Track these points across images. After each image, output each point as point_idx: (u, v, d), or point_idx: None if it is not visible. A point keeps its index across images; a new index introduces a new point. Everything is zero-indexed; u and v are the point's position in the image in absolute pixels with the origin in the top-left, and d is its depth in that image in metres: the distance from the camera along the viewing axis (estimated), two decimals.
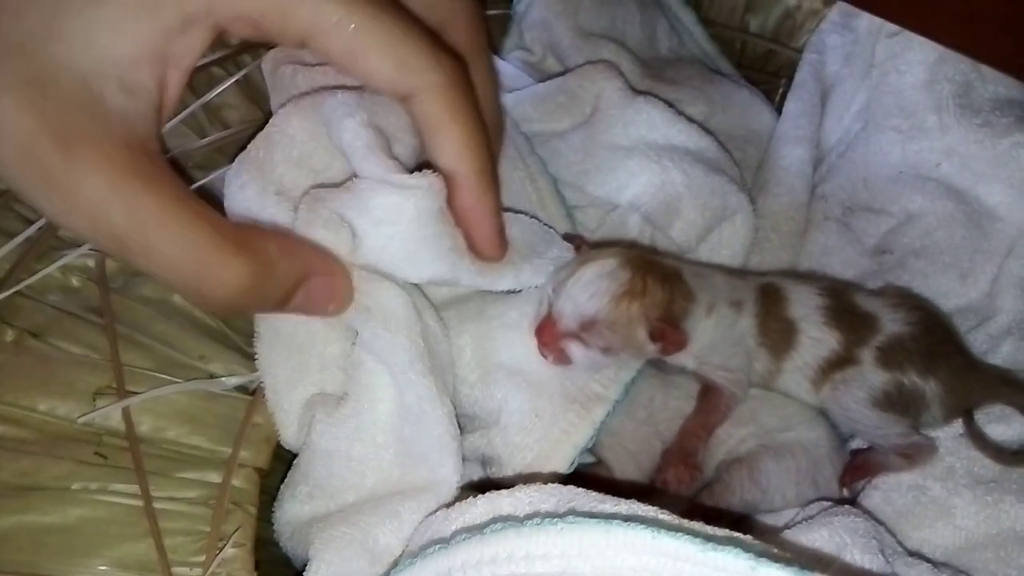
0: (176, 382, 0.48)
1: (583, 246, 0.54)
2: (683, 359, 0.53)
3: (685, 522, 0.35)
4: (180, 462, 0.46)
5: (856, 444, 0.56)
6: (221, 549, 0.43)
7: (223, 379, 0.49)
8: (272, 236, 0.40)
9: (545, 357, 0.50)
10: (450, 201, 0.44)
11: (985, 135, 0.60)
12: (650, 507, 0.37)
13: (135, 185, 0.34)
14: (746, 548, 0.31)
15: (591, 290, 0.49)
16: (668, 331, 0.50)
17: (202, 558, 0.43)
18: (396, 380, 0.46)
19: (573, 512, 0.35)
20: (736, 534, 0.36)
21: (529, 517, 0.36)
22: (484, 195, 0.44)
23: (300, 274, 0.40)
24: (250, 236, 0.38)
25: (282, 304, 0.40)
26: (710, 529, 0.36)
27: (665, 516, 0.37)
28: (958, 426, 0.52)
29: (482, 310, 0.52)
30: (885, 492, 0.52)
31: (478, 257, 0.47)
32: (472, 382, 0.51)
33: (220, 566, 0.43)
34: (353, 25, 0.37)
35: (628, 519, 0.33)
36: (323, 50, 0.38)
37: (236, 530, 0.44)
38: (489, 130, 0.44)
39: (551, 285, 0.51)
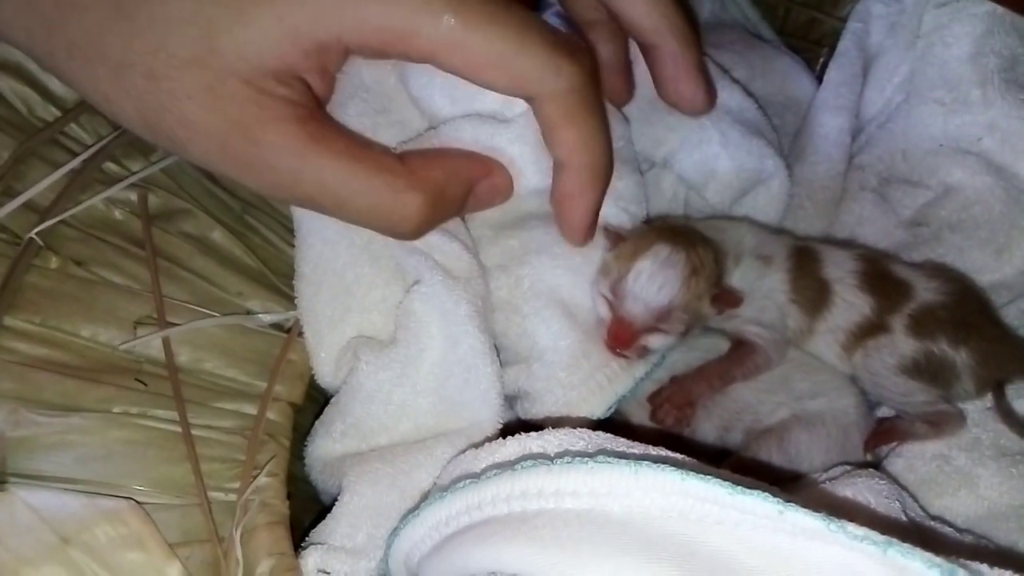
0: (214, 316, 0.49)
1: (616, 235, 0.53)
2: (717, 316, 0.54)
3: (712, 469, 0.36)
4: (217, 393, 0.47)
5: (883, 413, 0.56)
6: (255, 477, 0.44)
7: (260, 316, 0.50)
8: (436, 160, 0.45)
9: (623, 357, 0.51)
10: (553, 187, 0.48)
11: None
12: (677, 455, 0.38)
13: (316, 152, 0.40)
14: (774, 494, 0.31)
15: (658, 282, 0.50)
16: (724, 295, 0.52)
17: (237, 484, 0.44)
18: (450, 331, 0.47)
19: (603, 452, 0.36)
20: (766, 485, 0.36)
21: (559, 455, 0.37)
22: (586, 190, 0.47)
23: (467, 186, 0.46)
24: (418, 168, 0.43)
25: (456, 214, 0.48)
26: (736, 478, 0.37)
27: (691, 460, 0.37)
28: (987, 399, 0.52)
29: (549, 247, 0.52)
30: (908, 460, 0.52)
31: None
32: (526, 312, 0.51)
33: (254, 493, 0.44)
34: (470, 43, 0.40)
35: (657, 462, 0.34)
36: (446, 67, 0.41)
37: (271, 459, 0.45)
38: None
39: (603, 288, 0.51)
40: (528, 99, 0.44)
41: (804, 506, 0.31)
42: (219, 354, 0.48)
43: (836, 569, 0.30)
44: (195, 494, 0.43)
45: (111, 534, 0.39)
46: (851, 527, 0.30)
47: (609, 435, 0.39)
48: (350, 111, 0.47)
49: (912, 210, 0.63)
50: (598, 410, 0.50)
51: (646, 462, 0.33)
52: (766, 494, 0.31)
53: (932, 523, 0.45)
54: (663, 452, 0.38)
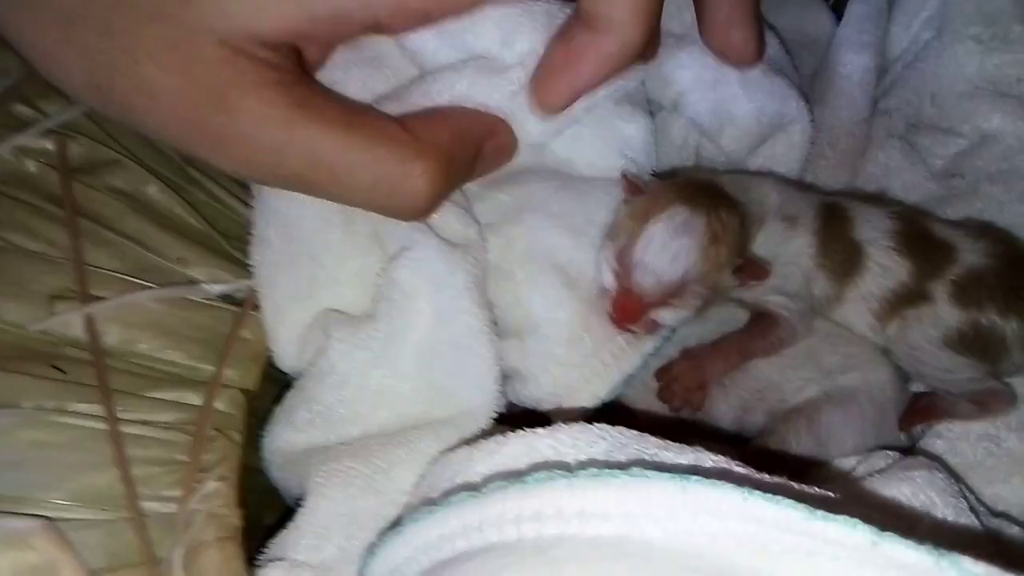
0: (150, 287, 0.41)
1: (635, 185, 0.46)
2: (735, 285, 0.47)
3: (776, 479, 0.29)
4: (153, 380, 0.40)
5: (917, 387, 0.50)
6: (201, 482, 0.36)
7: (206, 286, 0.43)
8: (441, 122, 0.39)
9: (632, 332, 0.44)
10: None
11: None
12: (720, 456, 0.31)
13: (305, 120, 0.34)
14: (861, 517, 0.25)
15: (671, 251, 0.42)
16: (750, 265, 0.45)
17: (178, 492, 0.37)
18: (442, 305, 0.41)
19: (637, 462, 0.29)
20: (830, 494, 0.30)
21: (582, 466, 0.30)
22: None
23: (476, 150, 0.41)
24: (422, 132, 0.37)
25: (466, 181, 0.42)
26: (797, 485, 0.30)
27: (741, 468, 0.31)
28: None
29: (546, 203, 0.45)
30: (951, 441, 0.46)
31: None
32: (520, 279, 0.44)
33: (200, 502, 0.36)
34: None
35: (707, 473, 0.27)
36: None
37: (219, 461, 0.37)
38: None
39: (609, 252, 0.44)
40: None
41: (899, 530, 0.25)
42: (156, 333, 0.41)
43: None
44: (125, 507, 0.36)
45: (17, 564, 0.31)
46: (968, 563, 0.23)
47: (633, 432, 0.33)
48: (336, 62, 0.41)
49: (944, 160, 0.56)
50: (601, 392, 0.44)
51: (695, 476, 0.26)
52: (855, 520, 0.24)
53: (997, 521, 0.39)
54: (701, 454, 0.31)
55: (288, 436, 0.42)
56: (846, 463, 0.44)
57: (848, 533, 0.24)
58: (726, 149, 0.52)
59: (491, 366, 0.42)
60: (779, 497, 0.25)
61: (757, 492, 0.26)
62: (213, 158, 0.36)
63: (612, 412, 0.45)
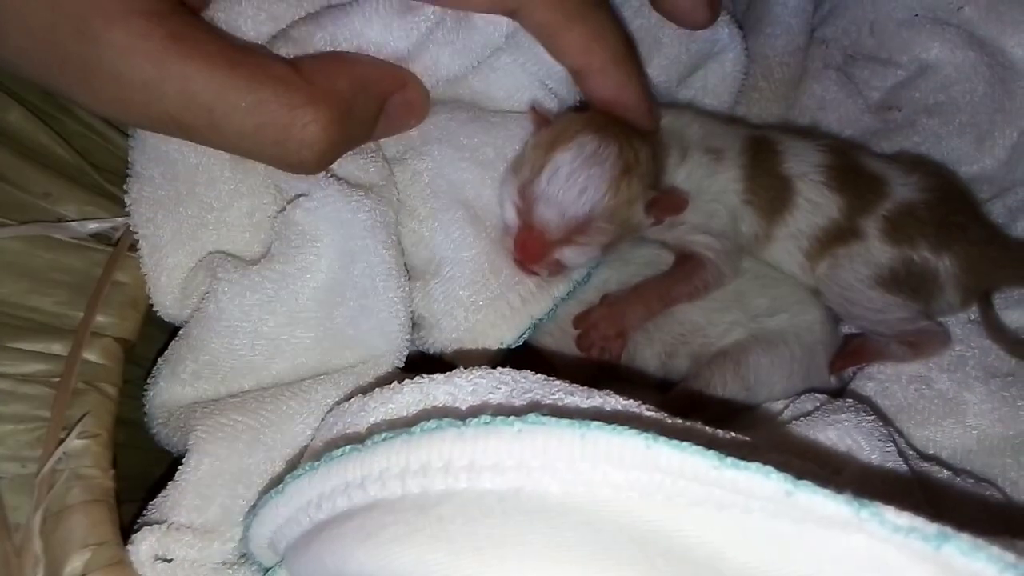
0: (11, 224, 0.37)
1: (543, 117, 0.42)
2: (659, 227, 0.44)
3: (686, 424, 0.27)
4: (14, 328, 0.36)
5: (848, 329, 0.48)
6: (63, 440, 0.33)
7: (76, 224, 0.38)
8: (340, 68, 0.35)
9: (535, 274, 0.41)
10: (588, 98, 0.42)
11: None
12: (631, 400, 0.28)
13: (179, 55, 0.31)
14: (778, 466, 0.22)
15: (578, 183, 0.39)
16: (664, 199, 0.42)
17: (39, 451, 0.33)
18: (345, 245, 0.37)
19: (535, 407, 0.26)
20: (747, 439, 0.27)
21: (475, 412, 0.27)
22: (624, 85, 0.40)
23: (379, 101, 0.37)
24: (318, 77, 0.34)
25: (368, 137, 0.39)
26: (709, 430, 0.28)
27: (651, 412, 0.28)
28: (971, 311, 0.45)
29: (454, 135, 0.42)
30: (882, 383, 0.44)
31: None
32: (423, 216, 0.41)
33: (62, 462, 0.33)
34: None
35: (611, 419, 0.24)
36: None
37: (83, 416, 0.33)
38: None
39: (512, 186, 0.41)
40: (512, 14, 0.37)
41: (815, 478, 0.22)
42: (18, 276, 0.37)
43: (861, 566, 0.21)
44: None
45: None
46: (890, 514, 0.21)
47: (539, 376, 0.30)
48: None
49: (882, 91, 0.54)
50: (509, 337, 0.42)
51: (596, 422, 0.24)
52: (768, 468, 0.22)
53: (926, 465, 0.37)
54: (612, 398, 0.28)
55: (173, 389, 0.38)
56: (774, 407, 0.42)
57: (761, 482, 0.22)
58: (654, 80, 0.49)
59: (398, 310, 0.39)
60: (686, 444, 0.23)
61: (662, 438, 0.23)
62: (78, 95, 0.32)
63: (530, 361, 0.42)
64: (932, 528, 0.21)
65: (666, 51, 0.48)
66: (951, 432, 0.41)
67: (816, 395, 0.41)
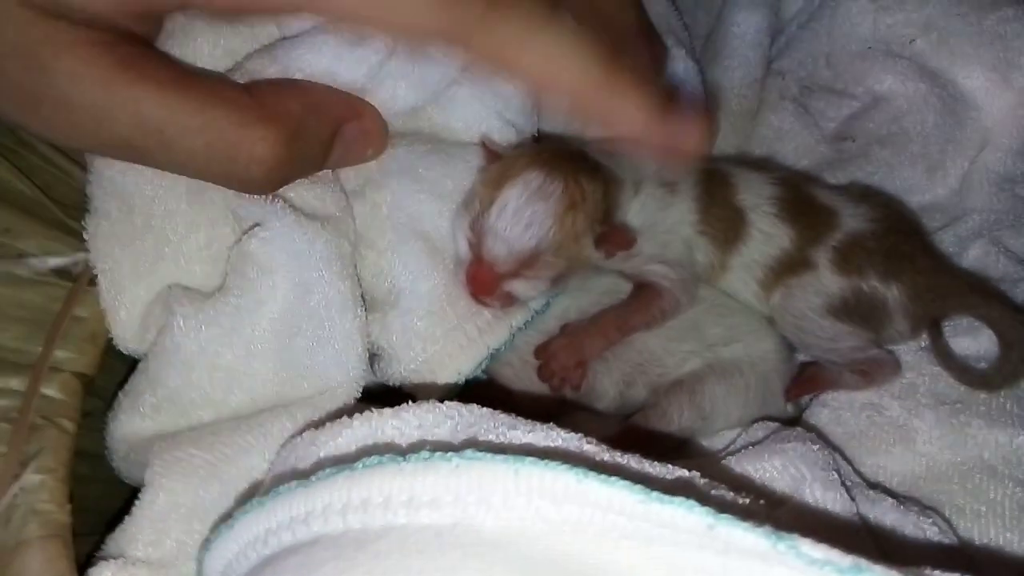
0: None
1: (493, 152, 0.43)
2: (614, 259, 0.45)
3: (618, 456, 0.27)
4: None
5: (804, 357, 0.49)
6: (19, 476, 0.33)
7: (35, 260, 0.39)
8: (291, 91, 0.36)
9: (487, 306, 0.42)
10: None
11: (970, 7, 0.53)
12: (572, 434, 0.29)
13: (129, 80, 0.31)
14: (700, 498, 0.23)
15: (525, 218, 0.40)
16: (613, 234, 0.43)
17: None
18: (300, 277, 0.38)
19: (473, 443, 0.27)
20: (684, 473, 0.28)
21: (415, 448, 0.27)
22: (616, 99, 0.33)
23: (332, 125, 0.38)
24: (269, 99, 0.35)
25: (321, 163, 0.39)
26: (649, 465, 0.28)
27: (591, 446, 0.29)
28: (921, 339, 0.46)
29: (412, 167, 0.43)
30: (835, 410, 0.45)
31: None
32: (381, 248, 0.42)
33: (19, 496, 0.33)
34: None
35: (545, 454, 0.25)
36: (325, 11, 0.33)
37: (39, 452, 0.34)
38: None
39: (464, 221, 0.42)
40: (449, 40, 0.33)
41: (739, 511, 0.23)
42: None
43: None
44: None
45: None
46: (806, 547, 0.22)
47: (485, 410, 0.30)
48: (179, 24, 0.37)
49: (836, 122, 0.56)
50: (466, 367, 0.42)
51: (530, 458, 0.24)
52: (691, 501, 0.23)
53: (870, 492, 0.38)
54: (554, 432, 0.29)
55: (134, 423, 0.38)
56: (727, 435, 0.43)
57: (684, 515, 0.23)
58: None
59: (355, 341, 0.39)
60: (615, 479, 0.23)
61: (592, 473, 0.24)
62: (29, 123, 0.33)
63: (490, 395, 0.43)
64: (847, 560, 0.21)
65: None
66: (901, 459, 0.42)
67: (768, 423, 0.42)
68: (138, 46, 0.33)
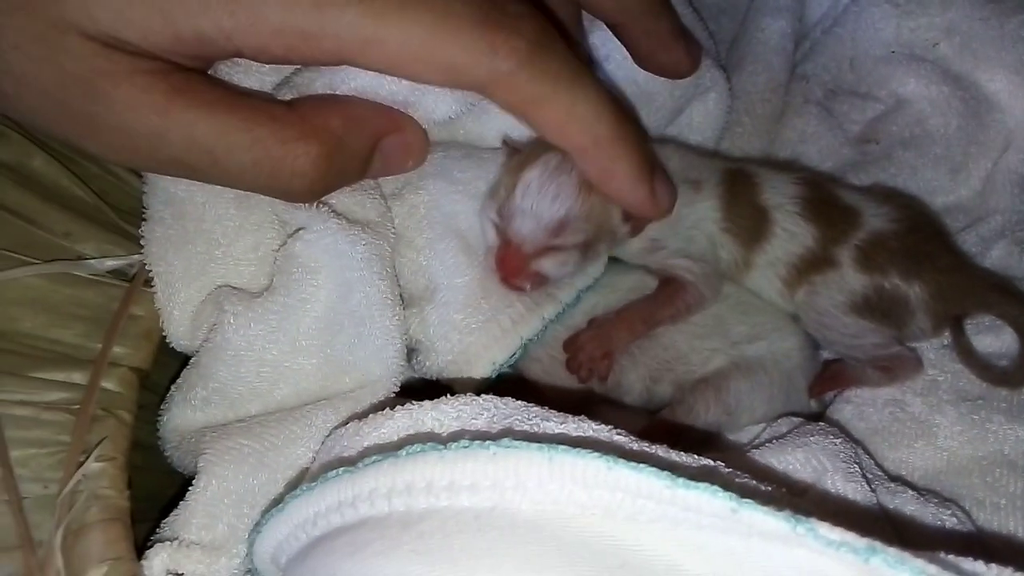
0: (34, 263, 0.40)
1: (514, 149, 0.45)
2: (638, 249, 0.47)
3: (646, 446, 0.29)
4: (36, 359, 0.38)
5: (828, 354, 0.50)
6: (82, 463, 0.35)
7: (94, 261, 0.41)
8: (333, 107, 0.38)
9: (519, 290, 0.44)
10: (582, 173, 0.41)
11: (992, 12, 0.53)
12: (603, 425, 0.31)
13: (182, 105, 0.33)
14: (724, 484, 0.25)
15: (549, 192, 0.42)
16: None
17: (60, 473, 0.35)
18: (342, 277, 0.40)
19: (509, 433, 0.29)
20: (709, 462, 0.30)
21: (454, 437, 0.29)
22: (614, 162, 0.39)
23: (371, 139, 0.40)
24: (310, 115, 0.37)
25: (361, 174, 0.40)
26: (675, 455, 0.30)
27: (621, 437, 0.30)
28: (943, 337, 0.47)
29: (448, 170, 0.45)
30: (858, 406, 0.46)
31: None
32: (419, 246, 0.44)
33: (81, 483, 0.35)
34: (384, 36, 0.33)
35: (577, 443, 0.27)
36: (366, 67, 0.36)
37: (101, 441, 0.36)
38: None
39: (491, 209, 0.44)
40: (478, 91, 0.36)
41: (760, 497, 0.24)
42: (40, 311, 0.39)
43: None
44: (4, 488, 0.34)
45: None
46: (824, 529, 0.23)
47: (519, 403, 0.32)
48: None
49: (860, 125, 0.56)
50: (500, 357, 0.44)
51: (563, 446, 0.26)
52: (715, 487, 0.24)
53: (891, 485, 0.39)
54: (585, 423, 0.31)
55: (185, 414, 0.41)
56: (752, 430, 0.44)
57: (709, 500, 0.24)
58: (643, 123, 0.51)
59: (393, 338, 0.41)
60: (643, 466, 0.25)
61: (621, 460, 0.25)
62: (89, 146, 0.35)
63: (521, 391, 0.45)
64: (862, 542, 0.23)
65: (655, 103, 0.51)
66: (922, 453, 0.43)
67: (792, 418, 0.44)
68: (188, 72, 0.35)
